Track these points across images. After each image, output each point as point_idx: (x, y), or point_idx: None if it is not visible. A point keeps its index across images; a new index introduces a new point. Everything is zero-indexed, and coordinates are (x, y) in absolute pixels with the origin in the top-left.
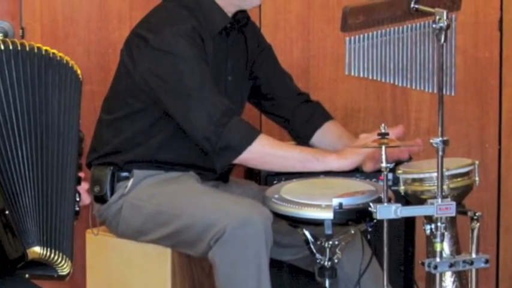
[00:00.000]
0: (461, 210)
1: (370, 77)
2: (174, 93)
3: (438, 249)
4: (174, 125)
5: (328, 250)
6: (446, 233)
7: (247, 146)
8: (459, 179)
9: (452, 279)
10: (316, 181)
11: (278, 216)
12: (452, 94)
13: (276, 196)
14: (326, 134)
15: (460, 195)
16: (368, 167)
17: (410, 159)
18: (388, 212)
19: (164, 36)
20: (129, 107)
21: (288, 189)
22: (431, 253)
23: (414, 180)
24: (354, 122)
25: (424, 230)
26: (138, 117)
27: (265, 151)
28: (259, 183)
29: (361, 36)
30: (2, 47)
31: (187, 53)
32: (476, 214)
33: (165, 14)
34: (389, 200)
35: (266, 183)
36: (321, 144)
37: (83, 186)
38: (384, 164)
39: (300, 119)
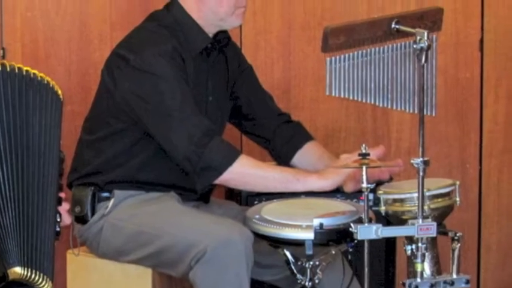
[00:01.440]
0: (442, 231)
1: (351, 98)
2: (154, 113)
3: (419, 269)
4: (155, 146)
5: (309, 270)
6: (427, 254)
7: (228, 167)
8: (440, 200)
9: None
10: (297, 201)
11: (259, 236)
12: (433, 114)
13: (257, 216)
14: (307, 154)
15: (440, 216)
16: (349, 188)
17: (391, 179)
18: (368, 232)
19: (145, 57)
20: (110, 127)
21: (269, 210)
22: (412, 273)
23: (395, 200)
24: (335, 142)
25: (405, 250)
26: (118, 138)
27: (246, 171)
28: (240, 203)
29: (342, 56)
30: None
31: (168, 73)
32: (457, 234)
33: (145, 34)
34: (370, 221)
35: (247, 204)
36: (302, 164)
37: (64, 207)
38: (364, 185)
39: (281, 140)
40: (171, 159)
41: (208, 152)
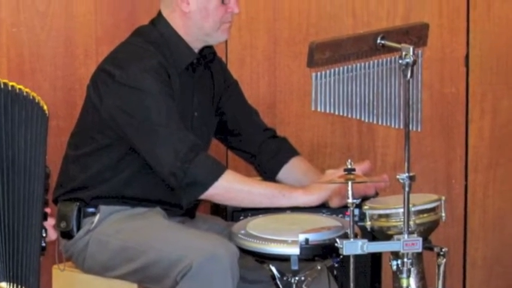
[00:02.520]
0: (428, 246)
1: (337, 113)
2: (140, 128)
3: (405, 285)
4: (141, 161)
5: (294, 286)
6: (412, 269)
7: (213, 182)
8: (425, 215)
9: None
10: (283, 217)
11: (244, 251)
12: (419, 130)
13: (243, 232)
14: (292, 169)
15: (426, 231)
16: (334, 203)
17: (376, 194)
18: (354, 247)
19: (131, 72)
20: (96, 143)
21: (254, 225)
22: None
23: (380, 216)
24: (321, 157)
25: (391, 265)
26: (104, 153)
27: (232, 187)
28: (226, 218)
29: (328, 71)
30: None
31: (154, 89)
32: (443, 250)
33: (131, 50)
34: (355, 236)
35: (232, 219)
36: (288, 179)
37: (49, 222)
38: (350, 200)
39: (267, 155)
40: (157, 175)
41: (193, 168)
